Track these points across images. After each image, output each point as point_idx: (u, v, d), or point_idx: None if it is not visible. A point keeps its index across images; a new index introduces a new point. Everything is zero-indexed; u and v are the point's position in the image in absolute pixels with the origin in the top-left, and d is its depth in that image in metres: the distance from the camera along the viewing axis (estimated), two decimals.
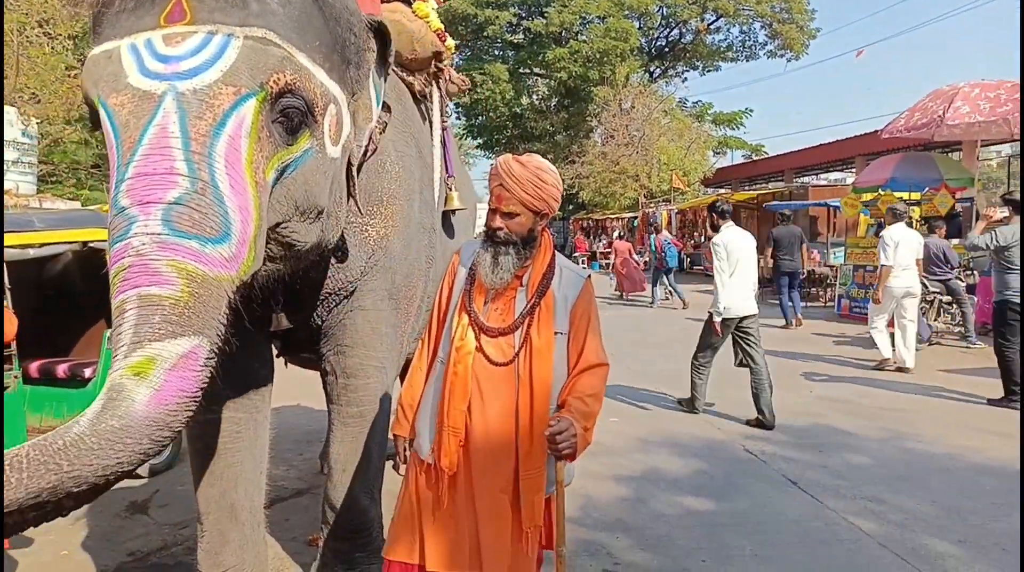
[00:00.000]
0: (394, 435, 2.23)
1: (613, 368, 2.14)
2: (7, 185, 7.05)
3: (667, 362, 7.48)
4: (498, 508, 2.00)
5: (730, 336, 5.64)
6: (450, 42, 3.34)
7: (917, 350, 7.58)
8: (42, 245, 4.01)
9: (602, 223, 28.13)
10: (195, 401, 1.53)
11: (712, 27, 30.29)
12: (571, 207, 30.96)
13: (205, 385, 1.56)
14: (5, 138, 7.37)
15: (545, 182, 2.01)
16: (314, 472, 4.42)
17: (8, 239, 3.91)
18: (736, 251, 5.56)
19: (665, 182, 24.44)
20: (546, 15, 27.69)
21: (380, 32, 2.21)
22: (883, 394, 6.45)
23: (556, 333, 2.03)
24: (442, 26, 3.33)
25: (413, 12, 3.19)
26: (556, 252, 2.14)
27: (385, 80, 2.33)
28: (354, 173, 2.18)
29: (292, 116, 1.81)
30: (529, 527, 2.00)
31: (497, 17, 27.95)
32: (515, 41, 30.40)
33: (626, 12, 27.39)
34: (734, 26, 30.38)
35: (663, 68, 31.90)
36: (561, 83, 28.07)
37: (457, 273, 2.15)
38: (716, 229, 5.82)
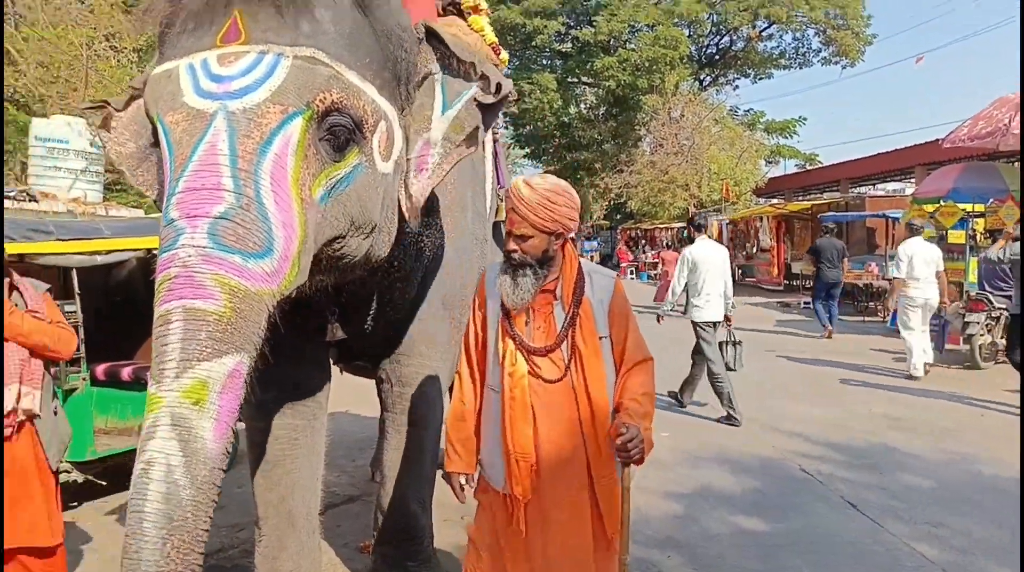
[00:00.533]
0: (447, 473, 2.17)
1: (660, 382, 2.11)
2: (76, 193, 7.34)
3: None
4: (577, 522, 2.00)
5: (719, 342, 6.03)
6: (504, 55, 3.38)
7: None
8: (109, 252, 4.18)
9: (651, 233, 27.84)
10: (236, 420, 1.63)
11: (764, 34, 29.78)
12: (619, 217, 30.68)
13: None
14: (74, 148, 7.71)
15: (556, 203, 1.97)
16: (366, 479, 4.48)
17: (77, 246, 4.09)
18: (703, 262, 6.01)
19: (716, 191, 24.05)
20: (595, 24, 27.61)
21: (433, 34, 2.20)
22: (945, 413, 6.22)
23: (600, 338, 2.04)
24: (496, 39, 3.37)
25: (468, 26, 3.23)
26: (581, 260, 2.14)
27: (462, 75, 2.18)
28: (410, 187, 2.16)
29: (339, 134, 1.85)
30: (613, 533, 2.01)
31: (546, 26, 27.97)
32: (563, 50, 30.37)
33: (676, 20, 27.11)
34: (787, 33, 29.77)
35: (713, 76, 31.44)
36: (609, 92, 27.90)
37: (487, 301, 2.13)
38: (692, 240, 6.40)
